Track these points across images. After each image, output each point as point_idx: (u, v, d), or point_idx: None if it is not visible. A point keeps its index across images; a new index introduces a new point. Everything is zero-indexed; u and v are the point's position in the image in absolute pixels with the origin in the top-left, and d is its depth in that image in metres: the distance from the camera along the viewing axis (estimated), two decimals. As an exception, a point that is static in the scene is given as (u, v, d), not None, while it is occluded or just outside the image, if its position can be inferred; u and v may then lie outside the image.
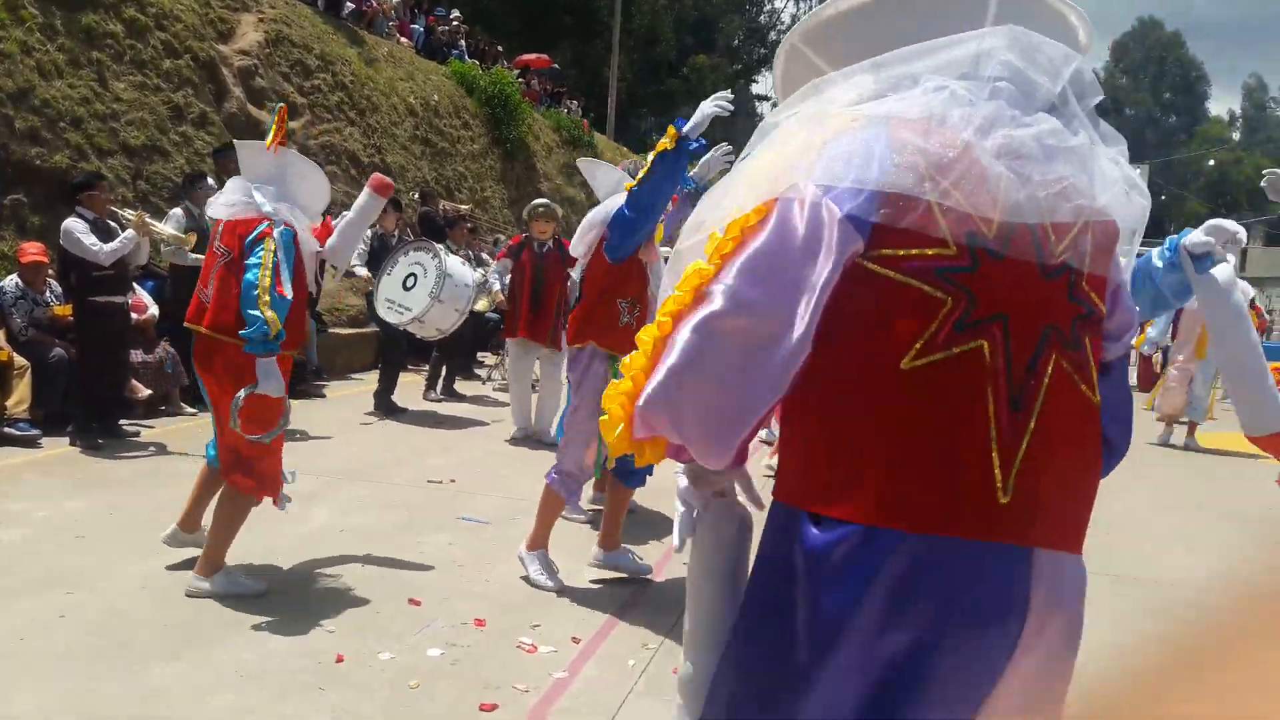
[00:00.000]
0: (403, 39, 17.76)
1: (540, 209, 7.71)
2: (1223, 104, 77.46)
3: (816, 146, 1.32)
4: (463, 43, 20.31)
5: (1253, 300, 10.14)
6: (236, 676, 3.29)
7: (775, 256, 1.29)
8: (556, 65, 25.41)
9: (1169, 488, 7.45)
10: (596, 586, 4.39)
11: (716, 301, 1.30)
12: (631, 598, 4.29)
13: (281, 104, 4.72)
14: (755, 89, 53.67)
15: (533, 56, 23.82)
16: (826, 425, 1.33)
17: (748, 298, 1.29)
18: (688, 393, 1.31)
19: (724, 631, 1.50)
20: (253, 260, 3.78)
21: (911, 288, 1.27)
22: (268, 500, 4.05)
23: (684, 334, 1.31)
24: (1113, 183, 1.40)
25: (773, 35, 56.50)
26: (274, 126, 4.23)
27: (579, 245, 4.50)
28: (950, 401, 1.27)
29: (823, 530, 1.30)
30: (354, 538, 4.85)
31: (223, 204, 4.12)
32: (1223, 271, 2.61)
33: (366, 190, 4.36)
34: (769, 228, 1.30)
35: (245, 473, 3.97)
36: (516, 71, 21.29)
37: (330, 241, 4.33)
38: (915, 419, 1.28)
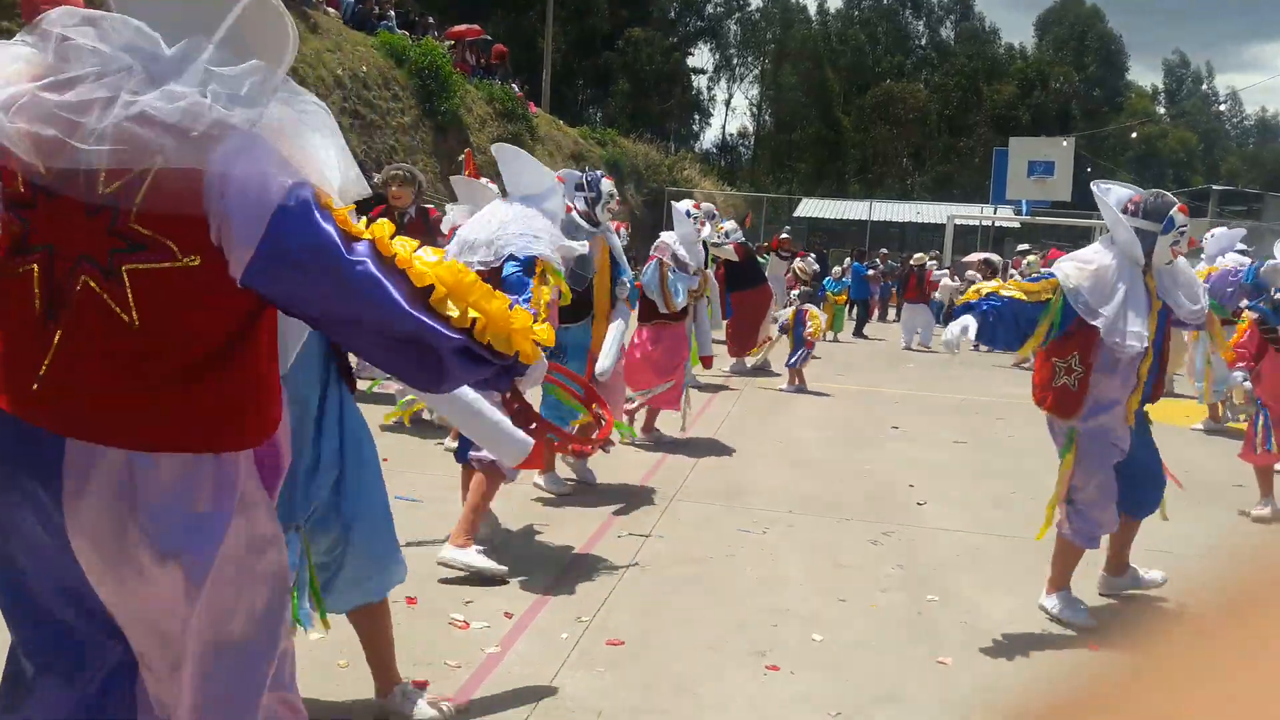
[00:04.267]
0: (330, 9, 17.34)
1: (398, 173, 7.04)
2: (1145, 79, 79.22)
3: None
4: (392, 13, 19.91)
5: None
6: (159, 662, 3.22)
7: None
8: (489, 37, 24.95)
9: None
10: (530, 562, 4.38)
11: None
12: (564, 572, 4.30)
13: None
14: (691, 62, 53.56)
15: (463, 28, 23.34)
16: None
17: None
18: None
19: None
20: None
21: None
22: None
23: None
24: (185, 135, 1.54)
25: (709, 8, 56.42)
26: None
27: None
28: (8, 309, 1.61)
29: None
30: (283, 518, 4.75)
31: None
32: None
33: None
34: None
35: None
36: (449, 43, 20.94)
37: None
38: None
